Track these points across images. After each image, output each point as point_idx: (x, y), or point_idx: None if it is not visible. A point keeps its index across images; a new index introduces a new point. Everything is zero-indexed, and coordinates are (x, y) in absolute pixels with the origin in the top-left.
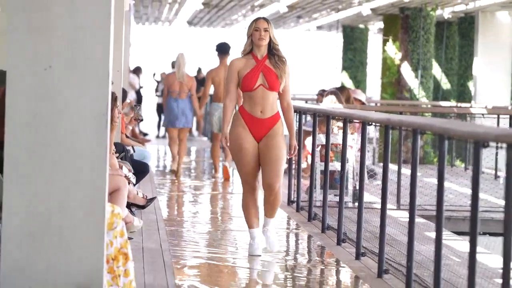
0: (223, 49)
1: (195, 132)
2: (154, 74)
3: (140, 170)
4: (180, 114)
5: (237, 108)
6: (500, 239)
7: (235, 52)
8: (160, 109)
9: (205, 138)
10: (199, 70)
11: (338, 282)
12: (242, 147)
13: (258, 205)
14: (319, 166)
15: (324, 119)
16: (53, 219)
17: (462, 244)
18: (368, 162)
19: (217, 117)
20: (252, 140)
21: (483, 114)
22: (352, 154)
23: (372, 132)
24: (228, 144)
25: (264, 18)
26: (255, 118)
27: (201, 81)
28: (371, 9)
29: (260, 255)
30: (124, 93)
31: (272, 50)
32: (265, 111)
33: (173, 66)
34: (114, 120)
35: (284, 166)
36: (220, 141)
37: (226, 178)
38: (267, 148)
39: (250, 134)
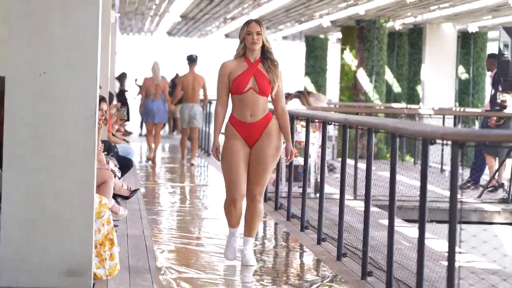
0: (191, 59)
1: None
2: (136, 80)
3: (125, 165)
4: (156, 112)
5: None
6: (445, 226)
7: (207, 60)
8: None
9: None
10: (177, 76)
11: (302, 264)
12: (232, 158)
13: (241, 211)
14: (285, 161)
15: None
16: (47, 209)
17: (412, 231)
18: (328, 157)
19: (187, 114)
20: (244, 149)
21: (430, 115)
22: (314, 150)
23: (332, 130)
24: (220, 156)
25: (256, 21)
26: (245, 123)
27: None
28: (331, 21)
29: (231, 258)
30: (111, 96)
31: (266, 54)
32: (255, 115)
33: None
34: (100, 120)
35: (272, 170)
36: (212, 151)
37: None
38: (258, 155)
39: (242, 143)
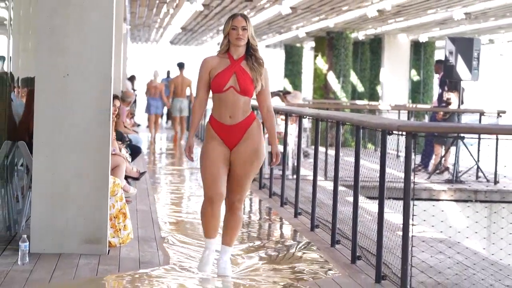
0: (180, 65)
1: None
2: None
3: (135, 151)
4: (155, 106)
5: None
6: (401, 202)
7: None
8: None
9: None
10: None
11: (282, 234)
12: (210, 156)
13: (218, 217)
14: (267, 148)
15: None
16: (70, 187)
17: (373, 206)
18: (303, 145)
19: (178, 106)
20: (223, 149)
21: (388, 110)
22: (292, 140)
23: (306, 123)
24: (192, 155)
25: (242, 15)
26: (225, 125)
27: None
28: (306, 33)
29: (206, 272)
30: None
31: (250, 50)
32: (235, 116)
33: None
34: (113, 114)
35: (253, 176)
36: (185, 150)
37: (174, 140)
38: (238, 160)
39: (222, 144)
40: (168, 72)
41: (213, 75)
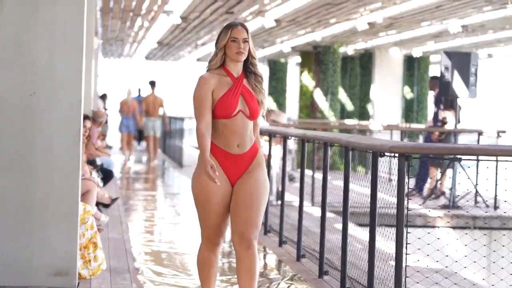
0: (152, 83)
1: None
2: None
3: (107, 175)
4: (127, 126)
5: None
6: (393, 230)
7: (179, 81)
8: None
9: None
10: None
11: (265, 264)
12: (210, 196)
13: (217, 263)
14: None
15: None
16: (36, 215)
17: (363, 234)
18: (288, 168)
19: (150, 126)
20: (225, 185)
21: (379, 130)
22: (276, 162)
23: (292, 144)
24: (215, 174)
25: (242, 25)
26: (231, 155)
27: None
28: (291, 47)
29: None
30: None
31: (249, 66)
32: (243, 144)
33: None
34: (84, 135)
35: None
36: (207, 169)
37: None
38: (244, 189)
39: (223, 177)
40: (139, 90)
41: (216, 96)
